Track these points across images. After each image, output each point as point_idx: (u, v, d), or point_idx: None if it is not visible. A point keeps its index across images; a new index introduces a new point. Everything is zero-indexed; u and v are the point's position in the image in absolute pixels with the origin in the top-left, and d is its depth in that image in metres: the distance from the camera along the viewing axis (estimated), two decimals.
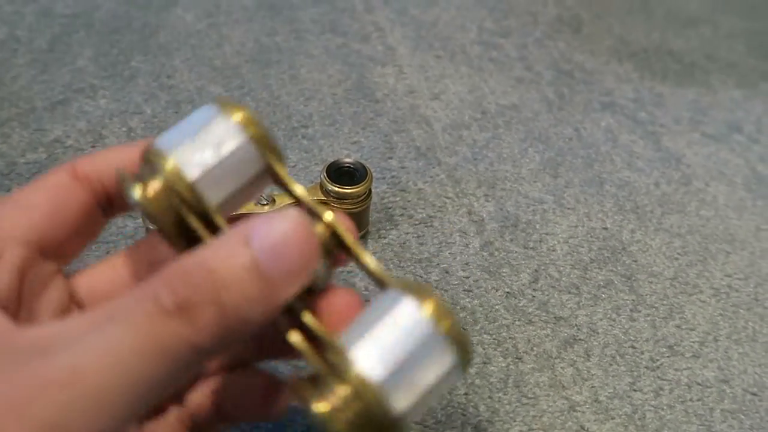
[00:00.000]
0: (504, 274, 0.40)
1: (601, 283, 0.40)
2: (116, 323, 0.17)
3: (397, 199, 0.44)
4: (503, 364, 0.35)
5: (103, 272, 0.25)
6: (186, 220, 0.21)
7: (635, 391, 0.34)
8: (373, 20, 0.61)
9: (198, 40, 0.56)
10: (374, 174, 0.45)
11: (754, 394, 0.35)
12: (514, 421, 0.32)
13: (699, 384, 0.35)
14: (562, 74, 0.58)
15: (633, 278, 0.40)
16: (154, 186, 0.21)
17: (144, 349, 0.17)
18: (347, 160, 0.39)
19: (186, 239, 0.21)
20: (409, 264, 0.40)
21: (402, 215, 0.43)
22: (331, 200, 0.38)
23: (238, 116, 0.22)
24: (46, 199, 0.22)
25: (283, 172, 0.23)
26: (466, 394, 0.33)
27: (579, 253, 0.42)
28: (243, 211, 0.37)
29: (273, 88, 0.52)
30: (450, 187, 0.45)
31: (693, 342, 0.37)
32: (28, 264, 0.21)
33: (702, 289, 0.40)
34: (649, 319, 0.38)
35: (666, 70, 0.60)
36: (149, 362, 0.17)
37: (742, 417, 0.34)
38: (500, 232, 0.42)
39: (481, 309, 0.37)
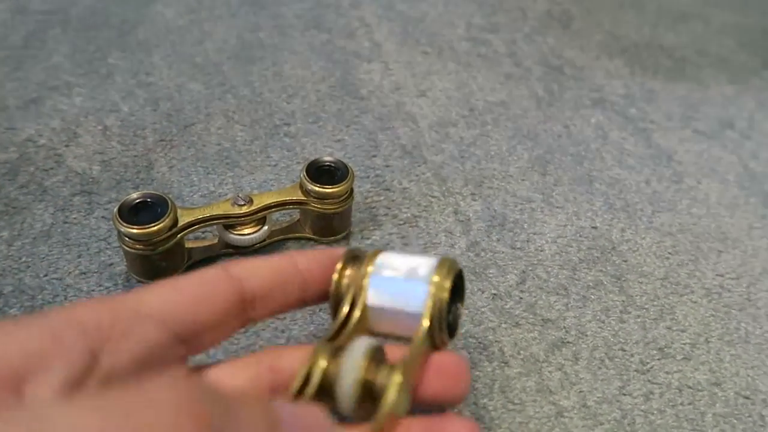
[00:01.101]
0: (490, 275, 0.39)
1: (590, 284, 0.39)
2: None
3: (381, 198, 0.43)
4: (489, 369, 0.34)
5: (227, 371, 0.25)
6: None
7: (625, 395, 0.33)
8: (359, 16, 0.60)
9: (179, 37, 0.55)
10: (358, 173, 0.43)
11: (747, 398, 0.34)
12: (500, 428, 0.31)
13: (690, 387, 0.34)
14: (551, 70, 0.57)
15: (623, 278, 0.39)
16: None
17: None
18: (328, 158, 0.38)
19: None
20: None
21: (386, 215, 0.41)
22: (312, 200, 0.37)
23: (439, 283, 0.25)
24: (198, 284, 0.23)
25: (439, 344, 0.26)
26: None
27: (568, 253, 0.41)
28: (219, 212, 0.35)
29: (255, 85, 0.51)
30: (436, 186, 0.44)
31: (684, 344, 0.36)
32: (159, 344, 0.22)
33: (693, 289, 0.39)
34: (639, 320, 0.37)
35: (657, 66, 0.59)
36: None
37: (735, 421, 0.33)
38: (487, 231, 0.41)
39: (466, 311, 0.36)
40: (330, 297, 0.26)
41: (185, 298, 0.23)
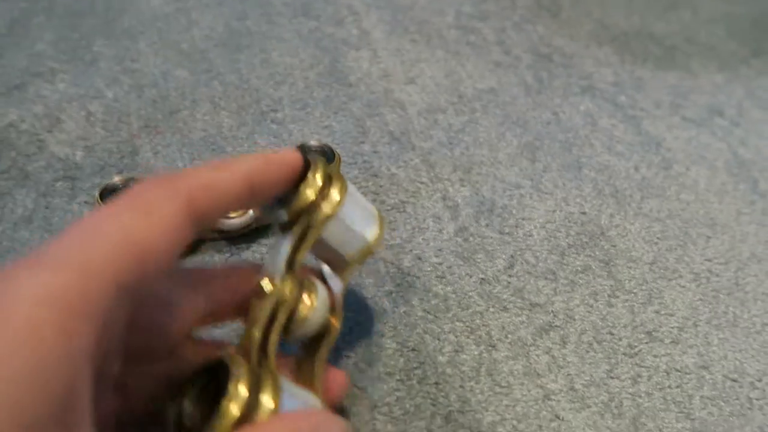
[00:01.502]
0: (479, 260, 0.38)
1: (579, 269, 0.39)
2: None
3: (369, 184, 0.42)
4: (476, 352, 0.33)
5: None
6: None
7: (612, 378, 0.33)
8: (348, 3, 0.60)
9: (165, 24, 0.54)
10: (346, 159, 0.43)
11: (735, 381, 0.34)
12: (486, 410, 0.31)
13: (678, 370, 0.34)
14: (540, 58, 0.57)
15: (611, 263, 0.39)
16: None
17: None
18: (314, 143, 0.38)
19: None
20: (380, 250, 0.38)
21: (374, 201, 0.41)
22: None
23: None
24: (160, 235, 0.20)
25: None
26: (436, 383, 0.32)
27: (556, 239, 0.40)
28: None
29: (242, 72, 0.50)
30: (424, 172, 0.44)
31: (672, 328, 0.36)
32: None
33: (682, 273, 0.39)
34: (627, 304, 0.37)
35: (646, 54, 0.59)
36: None
37: (722, 404, 0.33)
38: (475, 217, 0.41)
39: (454, 296, 0.36)
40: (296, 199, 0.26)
41: (143, 255, 0.20)
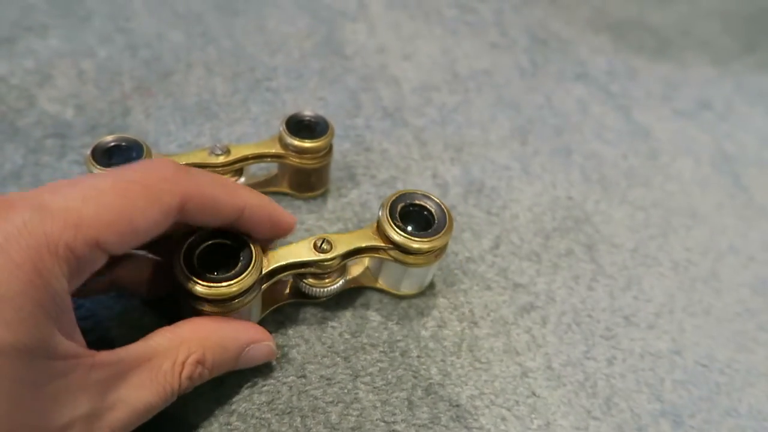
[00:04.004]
0: (465, 239, 0.39)
1: (562, 252, 0.39)
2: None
3: (360, 158, 0.42)
4: (458, 329, 0.34)
5: None
6: None
7: (588, 359, 0.34)
8: None
9: None
10: (338, 132, 0.43)
11: (705, 366, 0.35)
12: (466, 384, 0.32)
13: (652, 354, 0.35)
14: (537, 42, 0.57)
15: (594, 248, 0.40)
16: None
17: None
18: (308, 113, 0.37)
19: None
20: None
21: (364, 175, 0.41)
22: (290, 154, 0.37)
23: None
24: (152, 224, 0.23)
25: None
26: (418, 356, 0.32)
27: (542, 221, 0.41)
28: (195, 161, 0.35)
29: (238, 37, 0.50)
30: (416, 149, 0.44)
31: (649, 313, 0.37)
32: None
33: (661, 261, 0.40)
34: (607, 289, 0.38)
35: (641, 44, 0.59)
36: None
37: (692, 387, 0.34)
38: (464, 196, 0.41)
39: (439, 273, 0.36)
40: None
41: (132, 234, 0.23)
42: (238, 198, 0.27)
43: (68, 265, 0.21)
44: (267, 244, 0.30)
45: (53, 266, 0.20)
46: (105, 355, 0.23)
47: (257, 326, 0.29)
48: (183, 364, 0.25)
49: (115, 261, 0.29)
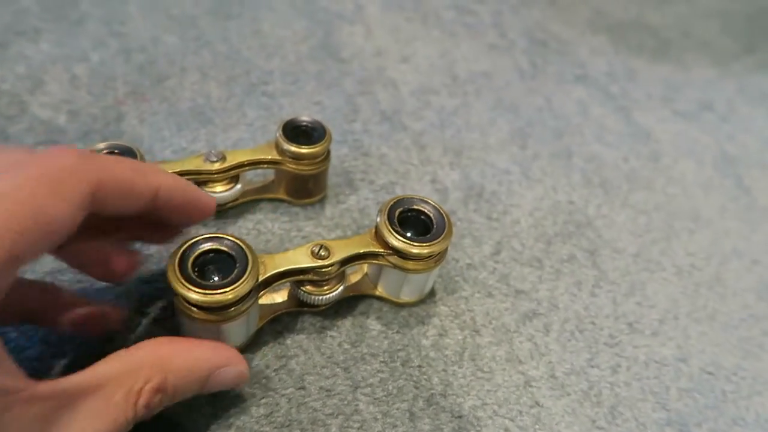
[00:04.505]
0: (466, 245, 0.38)
1: (564, 258, 0.39)
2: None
3: (359, 163, 0.42)
4: (460, 337, 0.33)
5: None
6: None
7: (592, 367, 0.34)
8: None
9: None
10: (336, 137, 0.43)
11: (711, 373, 0.35)
12: (468, 395, 0.31)
13: (656, 362, 0.35)
14: (536, 43, 0.56)
15: (596, 253, 0.40)
16: None
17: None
18: (305, 118, 0.37)
19: None
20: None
21: (363, 180, 0.41)
22: (287, 160, 0.36)
23: None
24: (65, 217, 0.22)
25: None
26: (419, 366, 0.32)
27: (543, 226, 0.40)
28: (190, 168, 0.34)
29: (233, 41, 0.49)
30: (414, 153, 0.43)
31: (653, 319, 0.37)
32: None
33: (665, 266, 0.40)
34: (610, 295, 0.37)
35: (641, 45, 0.59)
36: None
37: (698, 396, 0.33)
38: (464, 201, 0.41)
39: (440, 280, 0.36)
40: None
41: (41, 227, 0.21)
42: (150, 179, 0.25)
43: None
44: (185, 228, 0.30)
45: None
46: (46, 387, 0.21)
47: (229, 348, 0.27)
48: (139, 392, 0.23)
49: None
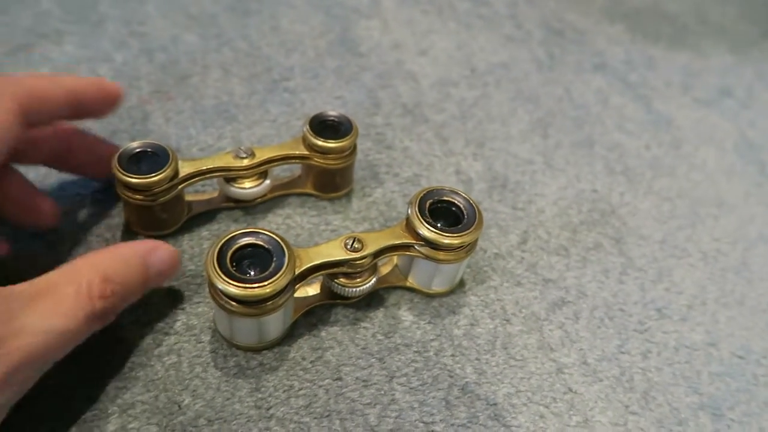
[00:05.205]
0: (492, 235, 0.38)
1: (590, 246, 0.39)
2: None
3: (383, 156, 0.42)
4: (491, 326, 0.34)
5: None
6: None
7: (623, 353, 0.34)
8: None
9: None
10: (359, 130, 0.43)
11: (741, 357, 0.35)
12: (502, 382, 0.31)
13: (687, 347, 0.35)
14: (552, 33, 0.56)
15: (622, 241, 0.40)
16: None
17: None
18: (332, 113, 0.37)
19: None
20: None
21: (387, 173, 0.41)
22: (315, 155, 0.36)
23: None
24: (3, 119, 0.26)
25: None
26: (452, 355, 0.32)
27: (568, 215, 0.41)
28: (221, 164, 0.34)
29: (252, 38, 0.49)
30: (437, 146, 0.43)
31: (681, 305, 0.37)
32: None
33: (690, 252, 0.40)
34: (638, 282, 0.37)
35: (658, 33, 0.59)
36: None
37: (729, 379, 0.34)
38: (488, 192, 0.41)
39: (468, 270, 0.36)
40: None
41: None
42: (65, 83, 0.30)
43: None
44: (101, 116, 0.33)
45: None
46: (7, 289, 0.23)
47: (152, 239, 0.30)
48: (89, 284, 0.25)
49: None
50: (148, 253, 0.28)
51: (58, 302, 0.24)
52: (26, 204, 0.32)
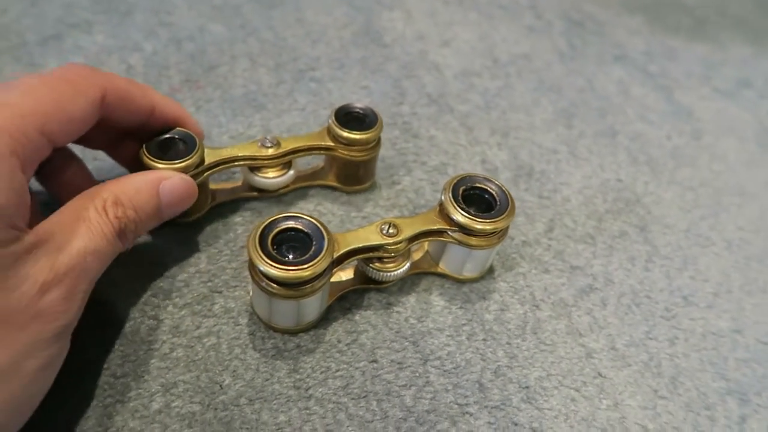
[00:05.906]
0: (519, 223, 0.39)
1: (616, 234, 0.39)
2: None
3: (410, 145, 0.43)
4: (521, 311, 0.34)
5: None
6: None
7: (651, 339, 0.34)
8: None
9: None
10: (386, 119, 0.43)
11: (766, 344, 0.35)
12: (533, 366, 0.32)
13: (713, 333, 0.35)
14: (572, 24, 0.56)
15: (647, 229, 0.40)
16: None
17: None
18: (357, 105, 0.37)
19: None
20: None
21: (415, 161, 0.41)
22: (339, 146, 0.36)
23: None
24: (82, 110, 0.27)
25: None
26: (484, 339, 0.33)
27: (593, 204, 0.41)
28: (245, 153, 0.35)
29: (277, 29, 0.50)
30: (463, 135, 0.44)
31: (707, 293, 0.37)
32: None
33: (714, 241, 0.40)
34: (663, 269, 0.38)
35: (677, 24, 0.59)
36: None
37: (755, 365, 0.34)
38: (514, 181, 0.42)
39: (497, 257, 0.37)
40: None
41: (52, 95, 0.26)
42: (149, 95, 0.31)
43: (23, 152, 0.24)
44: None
45: (10, 157, 0.23)
46: (42, 225, 0.25)
47: (164, 170, 0.31)
48: (104, 207, 0.26)
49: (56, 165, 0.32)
50: (158, 180, 0.29)
51: (85, 223, 0.26)
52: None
